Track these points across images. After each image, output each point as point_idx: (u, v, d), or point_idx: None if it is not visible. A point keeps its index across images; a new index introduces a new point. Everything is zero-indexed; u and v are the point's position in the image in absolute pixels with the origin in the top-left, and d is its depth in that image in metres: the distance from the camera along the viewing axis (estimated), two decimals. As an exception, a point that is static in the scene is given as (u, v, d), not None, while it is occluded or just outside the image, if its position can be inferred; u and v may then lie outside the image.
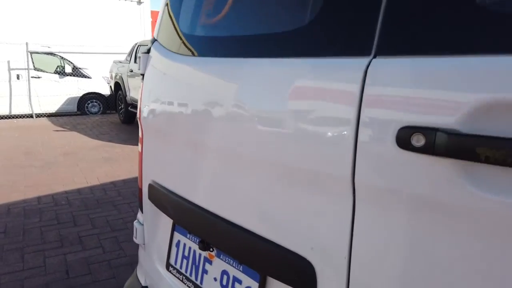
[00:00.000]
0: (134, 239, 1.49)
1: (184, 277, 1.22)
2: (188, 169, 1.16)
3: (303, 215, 0.82)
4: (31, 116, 9.71)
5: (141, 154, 1.44)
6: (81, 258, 2.87)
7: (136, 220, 1.52)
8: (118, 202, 4.02)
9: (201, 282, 1.16)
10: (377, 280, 0.70)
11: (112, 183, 4.65)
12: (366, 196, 0.71)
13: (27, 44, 9.69)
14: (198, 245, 1.11)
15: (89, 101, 10.33)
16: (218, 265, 1.10)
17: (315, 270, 0.80)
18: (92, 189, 4.43)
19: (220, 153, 1.03)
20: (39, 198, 4.09)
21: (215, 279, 1.11)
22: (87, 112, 10.28)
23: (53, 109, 9.99)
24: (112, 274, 2.67)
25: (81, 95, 10.17)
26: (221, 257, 1.10)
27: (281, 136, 0.85)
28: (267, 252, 0.90)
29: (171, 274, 1.27)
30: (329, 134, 0.76)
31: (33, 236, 3.22)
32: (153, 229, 1.41)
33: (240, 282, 1.03)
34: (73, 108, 10.19)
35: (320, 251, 0.79)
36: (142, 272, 1.50)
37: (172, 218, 1.24)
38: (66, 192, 4.31)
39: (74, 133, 7.73)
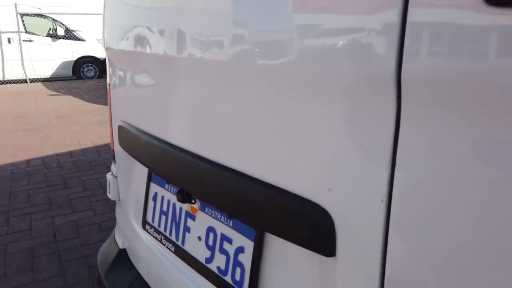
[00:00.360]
0: (108, 194, 1.25)
1: (162, 237, 0.97)
2: (160, 101, 0.88)
3: (317, 144, 0.55)
4: (25, 81, 9.38)
5: (109, 91, 1.17)
6: (70, 221, 2.67)
7: (109, 173, 1.27)
8: (112, 164, 3.79)
9: (182, 243, 0.91)
10: (435, 233, 0.44)
11: (107, 145, 4.41)
12: (419, 100, 0.44)
13: (16, 5, 9.18)
14: (177, 196, 0.86)
15: (84, 65, 9.94)
16: (203, 220, 0.86)
17: (334, 220, 0.54)
18: (85, 151, 4.20)
19: (200, 70, 0.75)
20: (28, 161, 3.87)
21: (199, 238, 0.86)
22: (83, 77, 9.92)
23: (47, 73, 9.63)
24: (103, 237, 2.48)
25: (75, 58, 9.77)
26: (206, 210, 0.85)
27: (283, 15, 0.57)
28: (265, 199, 0.64)
29: (148, 234, 1.03)
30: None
31: (20, 199, 3.02)
32: (127, 181, 1.16)
33: (230, 241, 0.78)
34: (68, 72, 9.81)
35: (341, 193, 0.53)
36: (119, 233, 1.26)
37: (145, 165, 0.98)
38: (57, 155, 4.08)
39: (69, 97, 7.44)
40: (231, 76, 0.68)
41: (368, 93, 0.48)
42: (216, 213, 0.82)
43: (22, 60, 9.25)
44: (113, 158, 1.22)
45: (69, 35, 9.68)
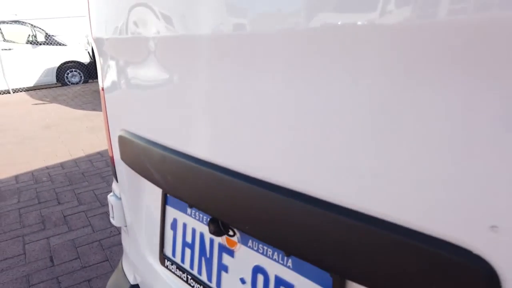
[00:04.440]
0: (112, 220, 1.03)
1: (189, 277, 0.76)
2: (174, 101, 0.66)
3: (469, 148, 0.34)
4: (7, 92, 9.00)
5: (102, 96, 0.94)
6: (67, 241, 2.44)
7: (111, 193, 1.04)
8: (106, 173, 3.55)
9: (218, 285, 0.70)
10: None
11: (99, 153, 4.16)
12: None
13: (-10, 13, 8.79)
14: (209, 227, 0.64)
15: (68, 71, 9.58)
16: (246, 257, 0.64)
17: (498, 276, 0.33)
18: (76, 161, 3.95)
19: (232, 51, 0.53)
20: (17, 177, 3.61)
21: (242, 281, 0.65)
22: (68, 83, 9.57)
23: (30, 82, 9.25)
24: (105, 257, 2.25)
25: (58, 65, 9.40)
26: (250, 244, 0.63)
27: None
28: (356, 239, 0.43)
29: (170, 271, 0.82)
30: None
31: (11, 220, 2.77)
32: (135, 204, 0.94)
33: (290, 287, 0.57)
34: (52, 79, 9.45)
35: None
36: (129, 265, 1.05)
37: (158, 185, 0.76)
38: (47, 167, 3.82)
39: (55, 105, 7.12)
40: (280, 57, 0.47)
41: None
42: (265, 247, 0.61)
43: (3, 70, 8.86)
44: (114, 175, 1.00)
45: (50, 40, 9.31)
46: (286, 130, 0.49)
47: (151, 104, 0.75)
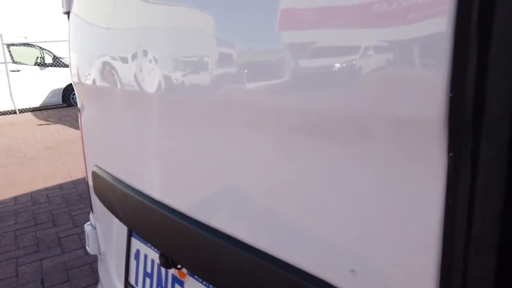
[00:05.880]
0: (87, 247, 1.10)
1: (148, 304, 0.82)
2: (138, 145, 0.74)
3: (338, 209, 0.41)
4: (14, 112, 9.21)
5: (81, 130, 1.03)
6: (59, 263, 2.50)
7: (88, 223, 1.12)
8: (103, 195, 3.62)
9: (171, 313, 0.76)
10: None
11: (98, 175, 4.24)
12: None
13: (1, 36, 9.09)
14: (159, 260, 0.71)
15: (74, 92, 9.81)
16: (193, 287, 0.71)
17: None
18: (75, 183, 4.03)
19: (187, 108, 0.62)
20: (16, 198, 3.69)
21: (190, 309, 0.71)
22: (73, 103, 9.78)
23: (37, 103, 9.48)
24: (94, 279, 2.30)
25: (64, 86, 9.64)
26: (196, 277, 0.70)
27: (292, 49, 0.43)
28: (269, 278, 0.49)
29: (132, 299, 0.88)
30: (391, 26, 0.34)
31: (6, 241, 2.84)
32: (108, 234, 1.01)
33: (226, 316, 0.63)
34: (58, 100, 9.68)
35: (368, 276, 0.39)
36: (103, 291, 1.11)
37: (120, 219, 0.83)
38: (46, 189, 3.91)
39: (59, 126, 7.28)
40: (230, 115, 0.55)
41: (402, 141, 0.35)
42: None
43: (10, 91, 9.10)
44: (91, 207, 1.07)
45: (57, 62, 9.58)
46: (219, 185, 0.57)
47: (116, 146, 0.83)
